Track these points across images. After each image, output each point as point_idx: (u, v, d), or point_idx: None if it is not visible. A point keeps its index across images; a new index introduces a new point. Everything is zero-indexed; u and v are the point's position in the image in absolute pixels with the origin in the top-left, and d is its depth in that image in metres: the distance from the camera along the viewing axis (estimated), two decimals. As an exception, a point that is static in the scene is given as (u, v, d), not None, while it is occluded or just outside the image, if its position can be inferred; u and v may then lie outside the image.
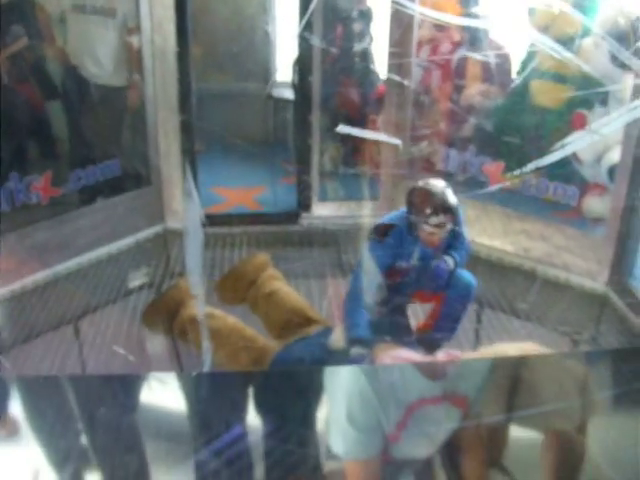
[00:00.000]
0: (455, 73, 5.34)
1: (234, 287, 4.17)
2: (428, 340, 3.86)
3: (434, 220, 3.56)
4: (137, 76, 5.17)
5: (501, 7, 4.65)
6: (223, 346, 3.61)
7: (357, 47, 5.56)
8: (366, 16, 5.65)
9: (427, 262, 3.75)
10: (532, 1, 4.84)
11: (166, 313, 3.98)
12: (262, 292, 4.09)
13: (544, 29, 4.68)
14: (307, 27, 5.15)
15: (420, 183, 3.69)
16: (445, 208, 3.57)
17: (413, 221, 3.63)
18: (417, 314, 4.19)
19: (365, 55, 5.67)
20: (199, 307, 3.72)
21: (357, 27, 5.57)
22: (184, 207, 3.74)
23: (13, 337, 4.17)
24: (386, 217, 3.83)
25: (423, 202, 3.58)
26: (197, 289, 3.66)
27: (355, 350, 3.43)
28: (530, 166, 4.13)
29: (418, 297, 4.01)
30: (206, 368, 3.35)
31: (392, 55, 5.36)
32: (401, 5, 4.80)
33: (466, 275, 3.84)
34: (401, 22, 5.21)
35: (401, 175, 5.48)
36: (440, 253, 3.76)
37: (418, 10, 4.94)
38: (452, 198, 3.58)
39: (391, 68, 5.41)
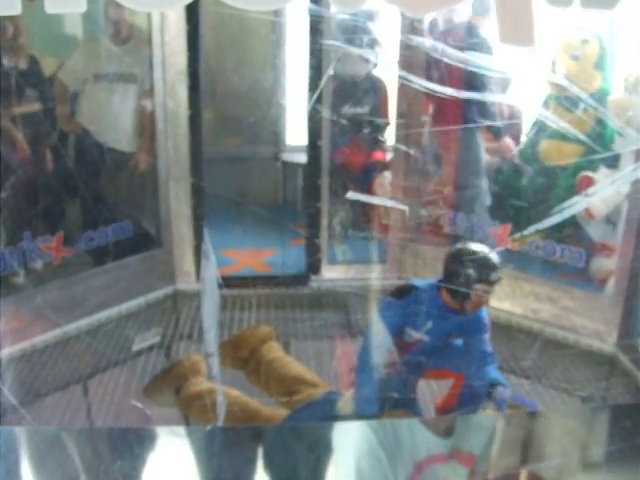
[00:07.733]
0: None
1: (235, 352, 4.21)
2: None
3: (494, 276, 3.53)
4: (149, 139, 5.25)
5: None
6: (227, 420, 3.61)
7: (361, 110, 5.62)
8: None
9: (441, 339, 3.71)
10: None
11: (170, 388, 4.03)
12: (265, 359, 4.14)
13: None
14: (318, 99, 5.22)
15: (460, 246, 3.71)
16: (497, 265, 3.56)
17: (457, 285, 3.55)
18: (432, 389, 4.17)
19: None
20: (214, 368, 3.73)
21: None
22: (201, 268, 3.76)
23: (22, 395, 4.17)
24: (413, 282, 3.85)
25: (475, 261, 3.55)
26: (211, 348, 3.68)
27: None
28: (530, 229, 4.16)
29: (433, 375, 3.97)
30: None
31: (399, 126, 5.47)
32: (408, 80, 4.89)
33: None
34: (408, 95, 5.30)
35: (409, 238, 5.52)
36: (455, 332, 3.71)
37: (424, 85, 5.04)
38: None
39: (399, 138, 5.51)
